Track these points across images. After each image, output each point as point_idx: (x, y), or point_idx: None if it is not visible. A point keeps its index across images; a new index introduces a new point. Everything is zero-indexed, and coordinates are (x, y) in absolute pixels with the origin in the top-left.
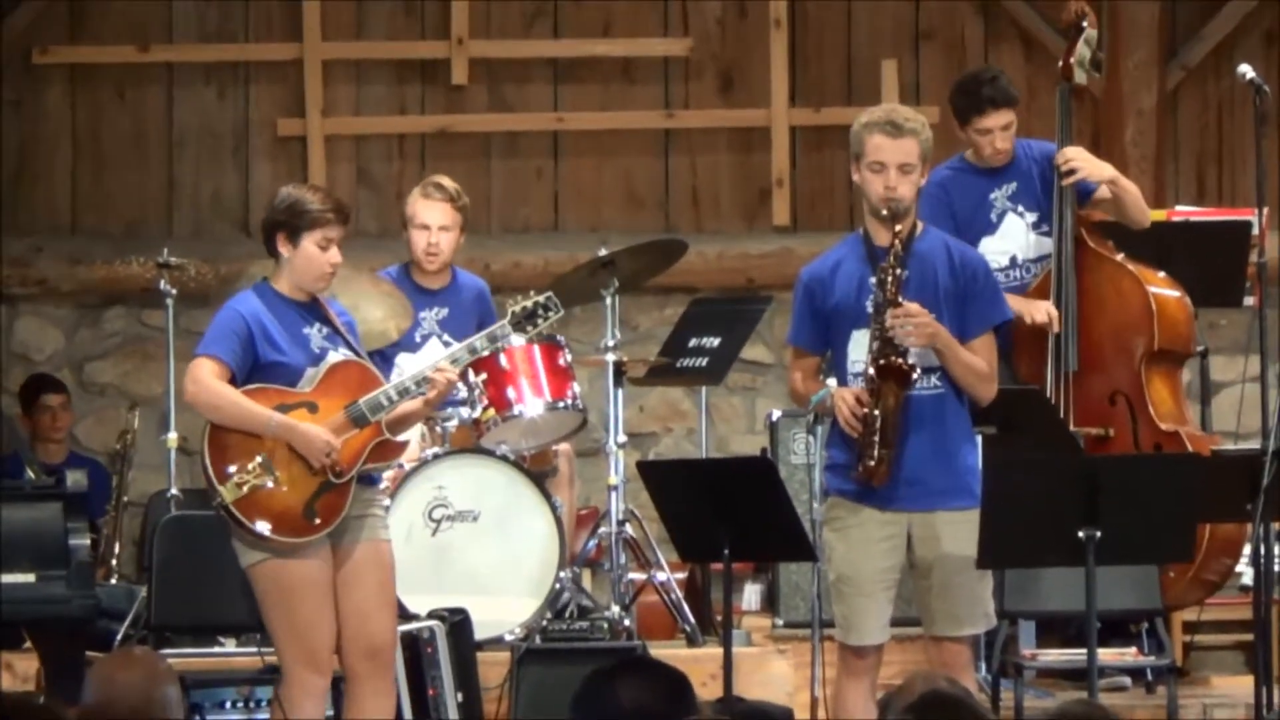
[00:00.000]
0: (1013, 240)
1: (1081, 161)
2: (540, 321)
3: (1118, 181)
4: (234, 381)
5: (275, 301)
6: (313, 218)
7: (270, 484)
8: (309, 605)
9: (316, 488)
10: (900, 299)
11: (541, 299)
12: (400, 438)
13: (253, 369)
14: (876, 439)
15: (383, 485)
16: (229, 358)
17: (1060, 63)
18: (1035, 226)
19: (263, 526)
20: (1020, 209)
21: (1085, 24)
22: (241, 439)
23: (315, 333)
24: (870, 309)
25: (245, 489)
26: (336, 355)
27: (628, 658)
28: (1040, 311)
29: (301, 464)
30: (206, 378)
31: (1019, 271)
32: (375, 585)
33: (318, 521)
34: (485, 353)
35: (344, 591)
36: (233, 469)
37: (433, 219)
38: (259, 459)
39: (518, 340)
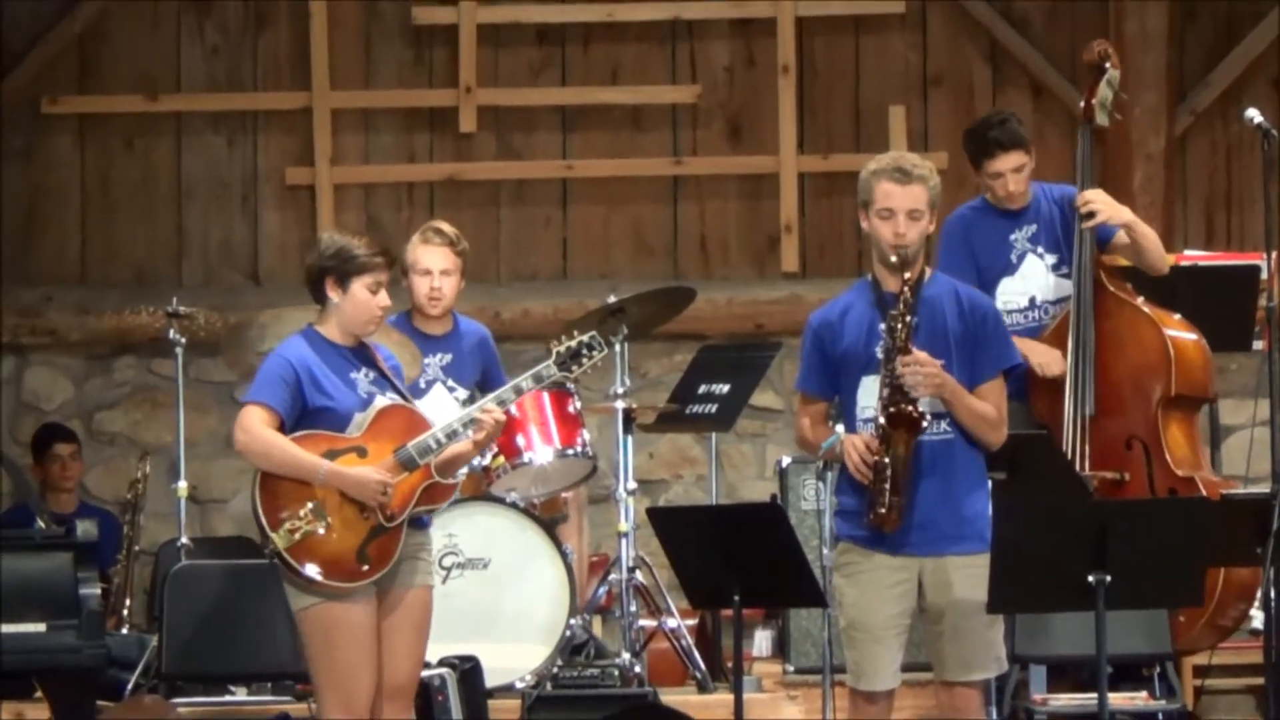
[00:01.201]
0: (1033, 281)
1: (1101, 204)
2: (585, 360)
3: (1134, 227)
4: (283, 428)
5: (323, 347)
6: (361, 262)
7: (322, 530)
8: (354, 650)
9: (368, 532)
10: (910, 346)
11: (586, 338)
12: (449, 480)
13: (301, 414)
14: (887, 486)
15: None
16: (278, 405)
17: (1082, 104)
18: (1055, 268)
19: (314, 571)
20: (1040, 250)
21: (1108, 65)
22: (293, 485)
23: (363, 378)
24: (880, 355)
25: (298, 535)
26: (384, 400)
27: (638, 704)
28: (1052, 367)
29: (353, 509)
30: (256, 425)
31: (1038, 313)
32: (412, 630)
33: (369, 567)
34: (530, 392)
35: (385, 636)
36: (285, 515)
37: (434, 263)
38: (310, 505)
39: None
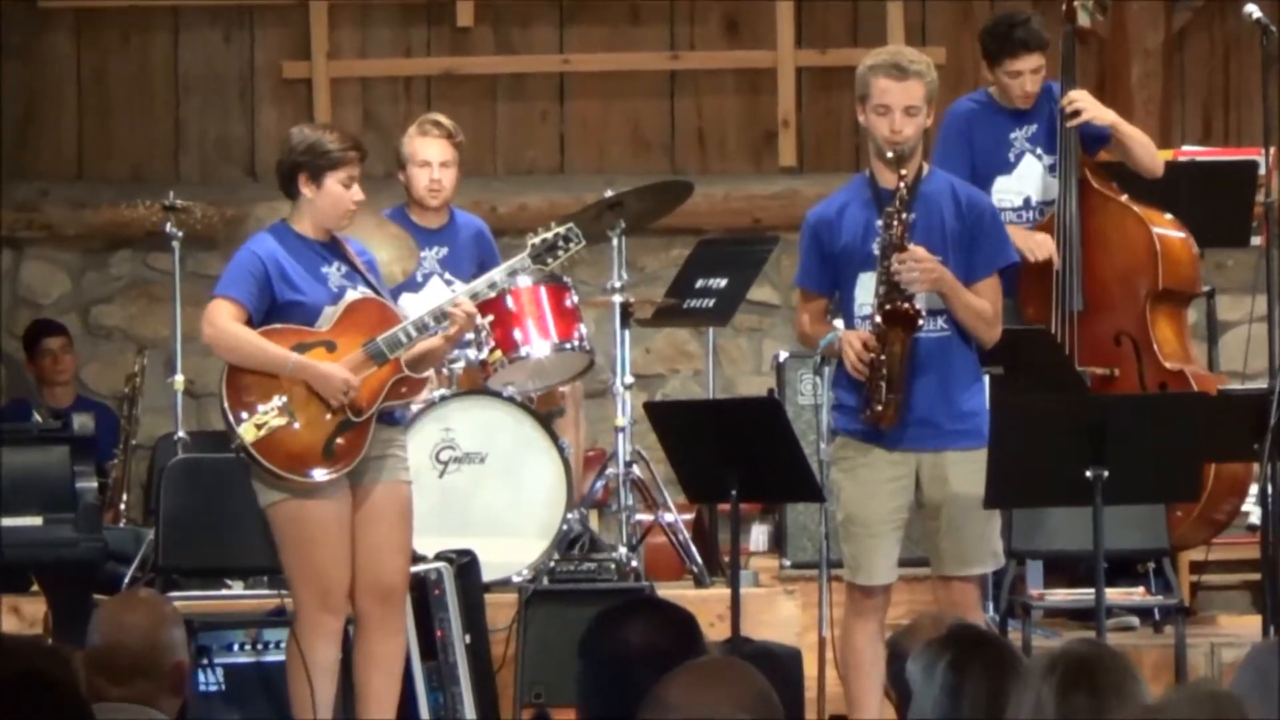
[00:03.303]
0: (1028, 181)
1: (1086, 103)
2: (561, 253)
3: (1119, 127)
4: (250, 323)
5: (293, 242)
6: (335, 157)
7: (289, 423)
8: (326, 545)
9: (335, 426)
10: (906, 243)
11: (562, 230)
12: (420, 374)
13: (271, 309)
14: (884, 383)
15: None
16: (245, 299)
17: (1064, 4)
18: (1051, 170)
19: (281, 467)
20: (1039, 151)
21: None
22: (259, 379)
23: (334, 271)
24: (876, 252)
25: (264, 430)
26: (355, 293)
27: (635, 598)
28: (1041, 248)
29: (320, 403)
30: (223, 319)
31: (1032, 213)
32: (391, 527)
33: (336, 460)
34: (506, 286)
35: (360, 532)
36: (251, 409)
37: (433, 155)
38: (277, 399)
39: (526, 280)
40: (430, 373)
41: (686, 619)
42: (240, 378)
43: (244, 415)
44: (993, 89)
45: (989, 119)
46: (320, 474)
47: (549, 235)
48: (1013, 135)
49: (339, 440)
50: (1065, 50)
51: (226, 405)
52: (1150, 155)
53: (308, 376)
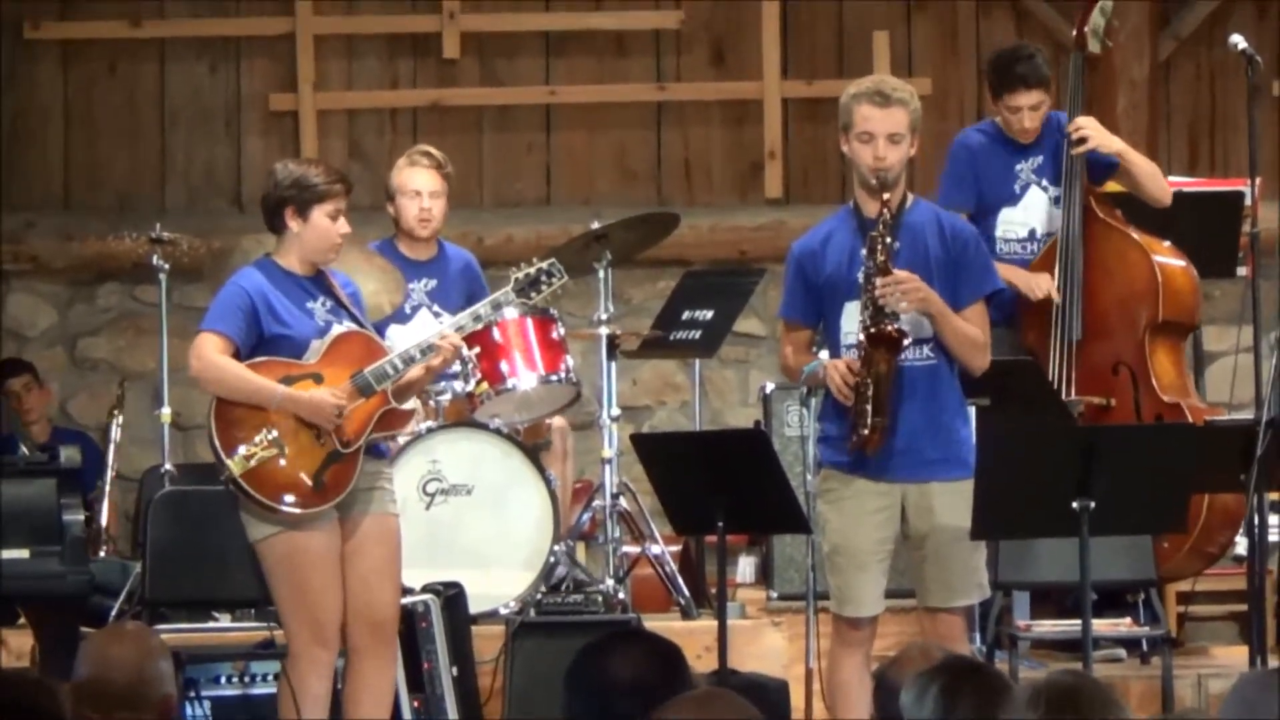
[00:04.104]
0: (1034, 213)
1: (1092, 130)
2: (544, 288)
3: (1126, 155)
4: (238, 356)
5: (279, 276)
6: (321, 190)
7: (278, 455)
8: (317, 578)
9: (324, 458)
10: (890, 266)
11: (545, 265)
12: (406, 406)
13: (258, 343)
14: (869, 407)
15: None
16: (233, 332)
17: (1074, 31)
18: (1057, 201)
19: (270, 499)
20: (1045, 183)
21: None
22: (248, 412)
23: (319, 306)
24: (861, 279)
25: (253, 462)
26: (341, 327)
27: (621, 630)
28: (1040, 288)
29: (309, 435)
30: (210, 353)
31: (1037, 245)
32: (380, 559)
33: (325, 493)
34: (490, 320)
35: (349, 564)
36: (240, 442)
37: (423, 185)
38: (266, 431)
39: (513, 313)
40: (416, 405)
41: (672, 651)
42: (229, 411)
43: (233, 448)
44: (999, 120)
45: (995, 150)
46: (309, 506)
47: (532, 270)
48: (1018, 167)
49: (328, 472)
50: (1074, 78)
51: (216, 438)
52: (1158, 184)
53: (296, 407)
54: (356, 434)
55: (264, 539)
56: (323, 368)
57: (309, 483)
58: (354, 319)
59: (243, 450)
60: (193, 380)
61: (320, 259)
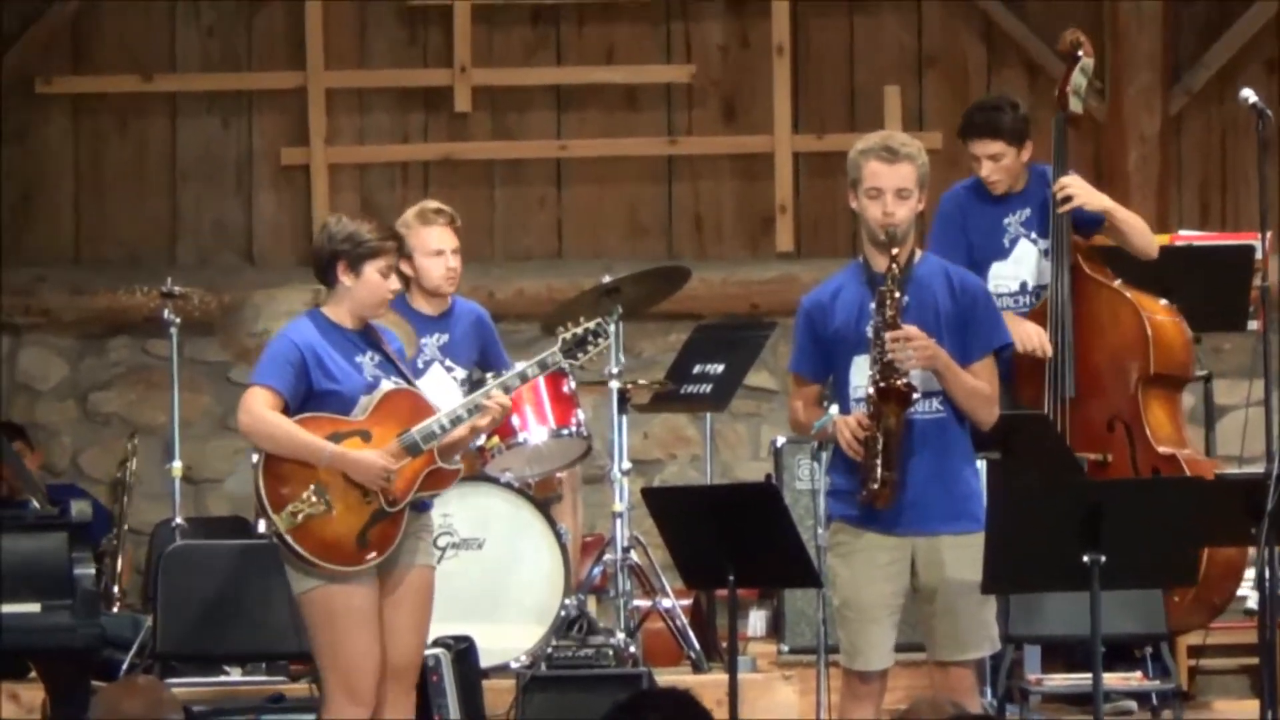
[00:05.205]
0: (1024, 266)
1: (1077, 189)
2: (590, 348)
3: (1114, 213)
4: (287, 410)
5: (329, 330)
6: (374, 247)
7: (325, 512)
8: (356, 634)
9: (370, 516)
10: (899, 321)
11: (592, 325)
12: (451, 465)
13: (307, 397)
14: (879, 461)
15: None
16: (283, 387)
17: (1056, 91)
18: (1047, 254)
19: (315, 554)
20: (1033, 235)
21: (1081, 53)
22: (296, 468)
23: (368, 360)
24: (870, 334)
25: (300, 518)
26: (389, 384)
27: (652, 690)
28: (1030, 340)
29: (356, 492)
30: (260, 408)
31: (1029, 298)
32: (413, 610)
33: (370, 551)
34: (535, 378)
35: (384, 614)
36: (288, 499)
37: (446, 243)
38: (313, 488)
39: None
40: (460, 463)
41: (702, 713)
42: (277, 466)
43: (281, 504)
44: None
45: (981, 204)
46: (352, 564)
47: (580, 330)
48: (1006, 221)
49: (373, 530)
50: (1057, 137)
51: (263, 493)
52: (1145, 239)
53: (345, 466)
54: (403, 493)
55: (306, 591)
56: (371, 425)
57: (354, 540)
58: (402, 374)
59: (290, 507)
60: (243, 435)
61: (370, 314)
